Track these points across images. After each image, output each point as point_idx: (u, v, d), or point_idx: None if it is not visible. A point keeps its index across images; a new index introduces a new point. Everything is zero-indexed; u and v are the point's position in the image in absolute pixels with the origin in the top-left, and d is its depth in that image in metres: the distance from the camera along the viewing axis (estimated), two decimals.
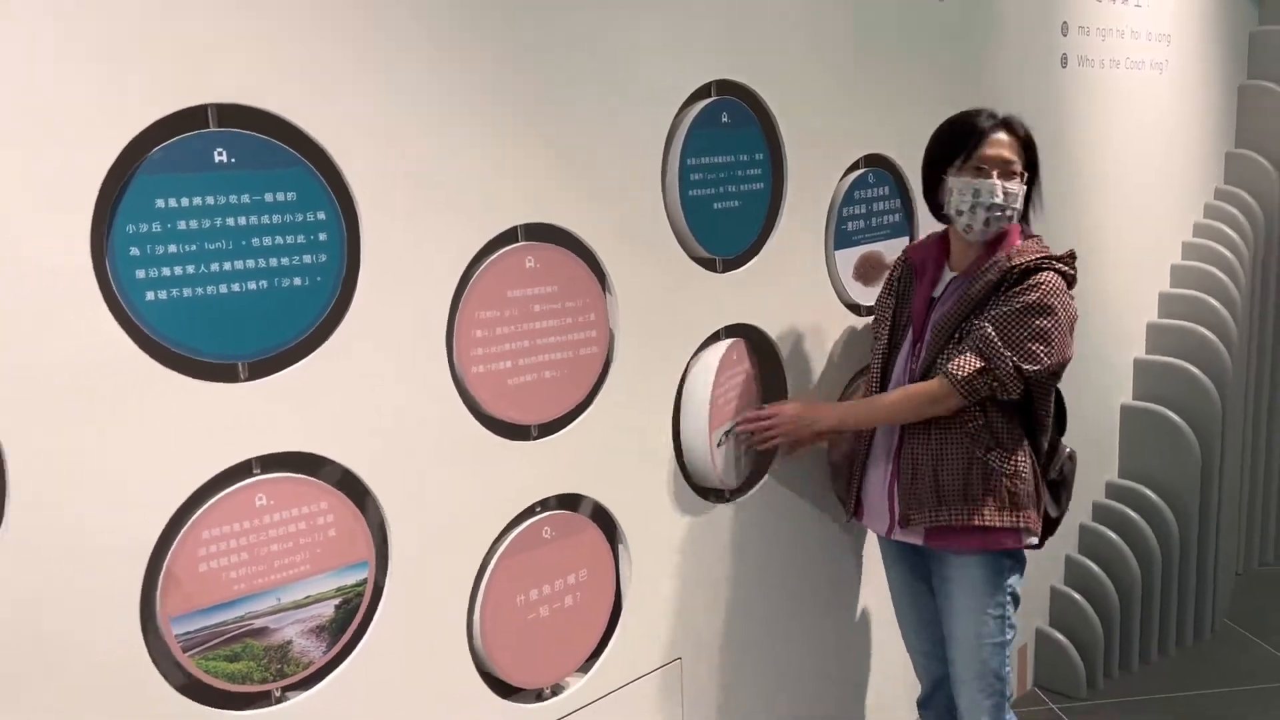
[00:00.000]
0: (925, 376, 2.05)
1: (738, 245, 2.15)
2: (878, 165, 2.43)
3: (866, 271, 2.44)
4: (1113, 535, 3.29)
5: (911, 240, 2.53)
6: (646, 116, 1.94)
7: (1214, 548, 3.56)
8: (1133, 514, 3.33)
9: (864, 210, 2.40)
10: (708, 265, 2.10)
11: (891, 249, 2.47)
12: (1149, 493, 3.37)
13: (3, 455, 1.29)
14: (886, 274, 2.28)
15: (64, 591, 1.35)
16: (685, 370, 2.10)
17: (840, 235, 2.35)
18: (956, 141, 2.04)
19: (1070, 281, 2.04)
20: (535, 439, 1.86)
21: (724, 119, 2.06)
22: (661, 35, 1.93)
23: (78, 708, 1.38)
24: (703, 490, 2.17)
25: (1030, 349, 1.95)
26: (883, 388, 2.14)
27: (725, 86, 2.07)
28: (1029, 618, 3.21)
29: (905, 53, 2.45)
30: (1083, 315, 2.14)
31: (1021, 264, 1.99)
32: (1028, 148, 2.06)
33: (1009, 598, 2.14)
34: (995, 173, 1.99)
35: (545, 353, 1.84)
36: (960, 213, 2.03)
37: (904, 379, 2.10)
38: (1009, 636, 2.15)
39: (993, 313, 1.98)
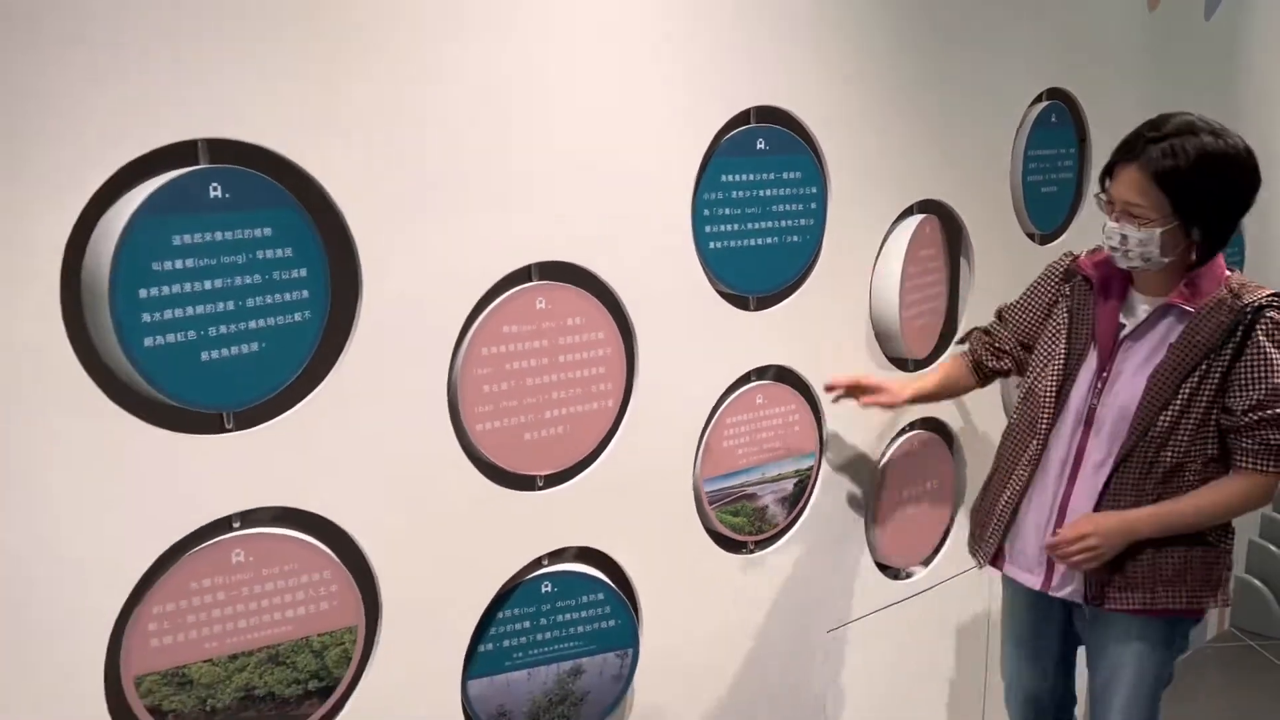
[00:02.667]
0: (1145, 432, 1.76)
1: (1053, 223, 2.62)
2: None
3: None
4: None
5: None
6: (1002, 117, 2.43)
7: None
8: None
9: None
10: (1032, 238, 2.58)
11: None
12: None
13: (636, 360, 1.84)
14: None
15: (662, 456, 1.93)
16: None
17: None
18: (1108, 163, 1.81)
19: None
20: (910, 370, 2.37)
21: (1052, 119, 2.54)
22: (1014, 49, 2.42)
23: (653, 526, 1.94)
24: None
25: None
26: (1057, 412, 1.87)
27: (1054, 92, 2.54)
28: None
29: (1178, 66, 2.88)
30: None
31: (1254, 302, 1.73)
32: (1174, 190, 1.69)
33: (1178, 654, 1.92)
34: (1117, 213, 1.76)
35: (926, 304, 2.34)
36: None
37: (1083, 411, 1.84)
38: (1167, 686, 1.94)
39: (1262, 387, 1.71)
